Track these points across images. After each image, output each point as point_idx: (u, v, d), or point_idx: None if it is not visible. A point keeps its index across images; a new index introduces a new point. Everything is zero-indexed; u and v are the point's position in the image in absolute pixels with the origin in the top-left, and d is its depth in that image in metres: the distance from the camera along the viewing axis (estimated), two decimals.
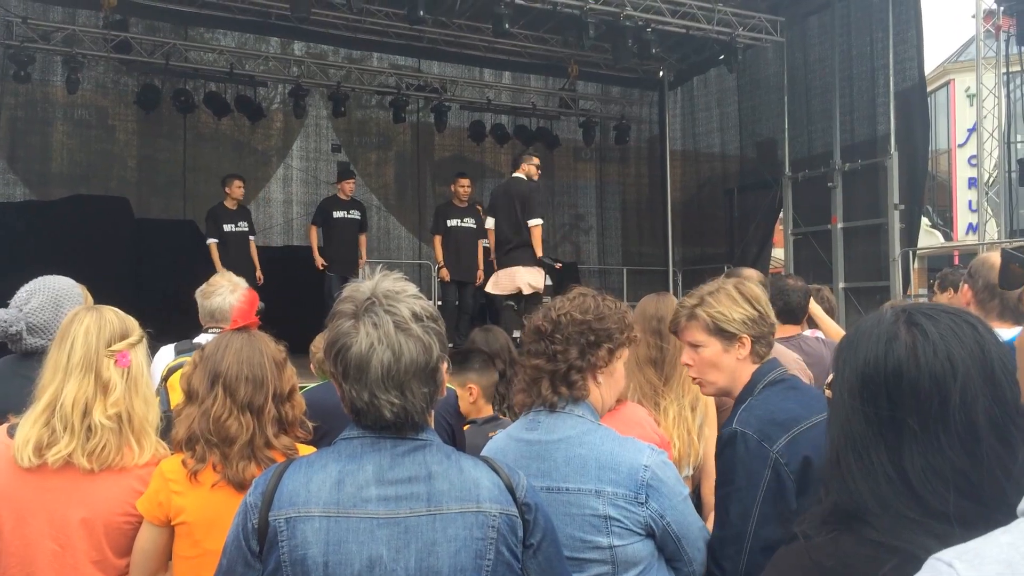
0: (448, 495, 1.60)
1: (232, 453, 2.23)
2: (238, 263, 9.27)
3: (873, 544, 1.16)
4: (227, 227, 9.78)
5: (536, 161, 8.57)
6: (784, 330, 3.85)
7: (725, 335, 2.38)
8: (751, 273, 3.89)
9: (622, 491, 2.03)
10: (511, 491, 1.66)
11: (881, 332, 1.24)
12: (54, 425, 2.21)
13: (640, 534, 2.05)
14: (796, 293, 4.10)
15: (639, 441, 2.19)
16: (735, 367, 2.39)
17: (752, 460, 2.17)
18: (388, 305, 1.60)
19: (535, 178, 8.36)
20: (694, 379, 2.50)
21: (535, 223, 8.09)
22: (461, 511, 1.60)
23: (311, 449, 2.37)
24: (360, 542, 1.55)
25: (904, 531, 1.14)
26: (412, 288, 1.67)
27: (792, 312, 4.05)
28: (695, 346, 2.43)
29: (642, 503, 2.03)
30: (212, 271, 8.94)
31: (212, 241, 9.71)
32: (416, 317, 1.61)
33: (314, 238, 10.15)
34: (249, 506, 1.61)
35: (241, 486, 2.22)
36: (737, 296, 2.41)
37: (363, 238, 10.31)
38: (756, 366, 2.39)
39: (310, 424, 2.43)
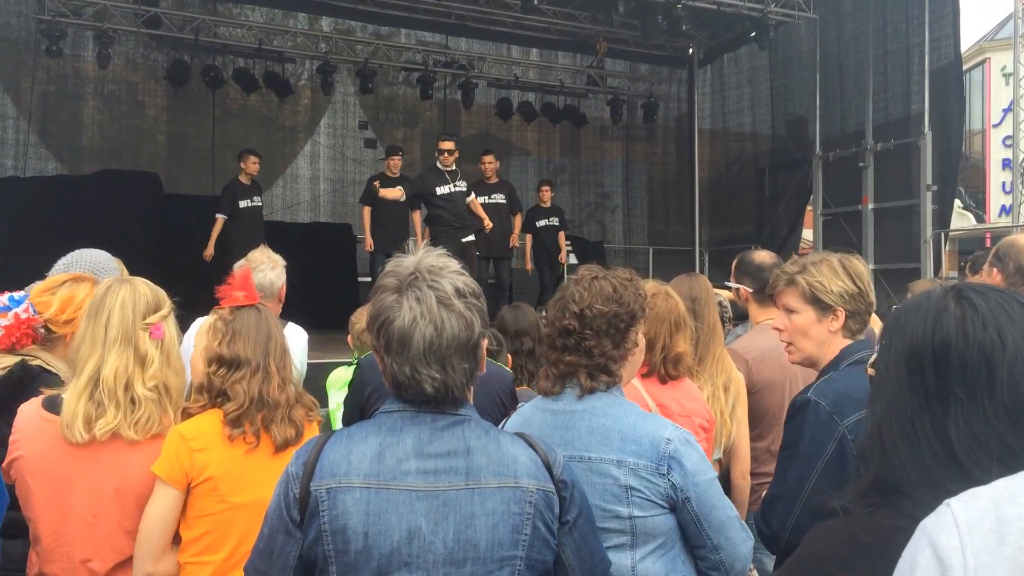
0: (486, 470, 1.62)
1: (277, 417, 2.32)
2: (252, 237, 9.30)
3: (911, 519, 1.14)
4: (243, 203, 9.83)
5: (441, 146, 9.17)
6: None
7: (820, 305, 2.44)
8: (763, 256, 3.83)
9: (643, 462, 2.04)
10: (548, 468, 1.67)
11: (930, 307, 1.24)
12: (99, 398, 2.24)
13: (662, 507, 2.05)
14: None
15: (663, 418, 2.22)
16: (825, 338, 2.46)
17: (821, 430, 2.24)
18: (431, 280, 1.60)
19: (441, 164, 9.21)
20: (785, 345, 2.57)
21: None
22: (499, 486, 1.61)
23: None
24: (400, 513, 1.57)
25: None
26: (455, 264, 1.67)
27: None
28: (790, 312, 2.50)
29: (663, 474, 2.03)
30: (243, 247, 9.02)
31: (220, 216, 9.71)
32: (459, 293, 1.61)
33: (366, 218, 9.93)
34: (291, 476, 1.63)
35: (286, 444, 2.31)
36: (839, 269, 2.46)
37: (416, 215, 10.05)
38: (846, 341, 2.45)
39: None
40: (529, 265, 11.12)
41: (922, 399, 1.19)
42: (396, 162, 10.20)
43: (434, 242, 9.14)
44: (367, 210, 10.06)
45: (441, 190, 9.05)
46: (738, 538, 2.11)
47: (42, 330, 2.53)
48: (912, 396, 1.20)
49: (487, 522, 1.59)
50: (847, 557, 1.22)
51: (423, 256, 1.65)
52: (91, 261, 2.84)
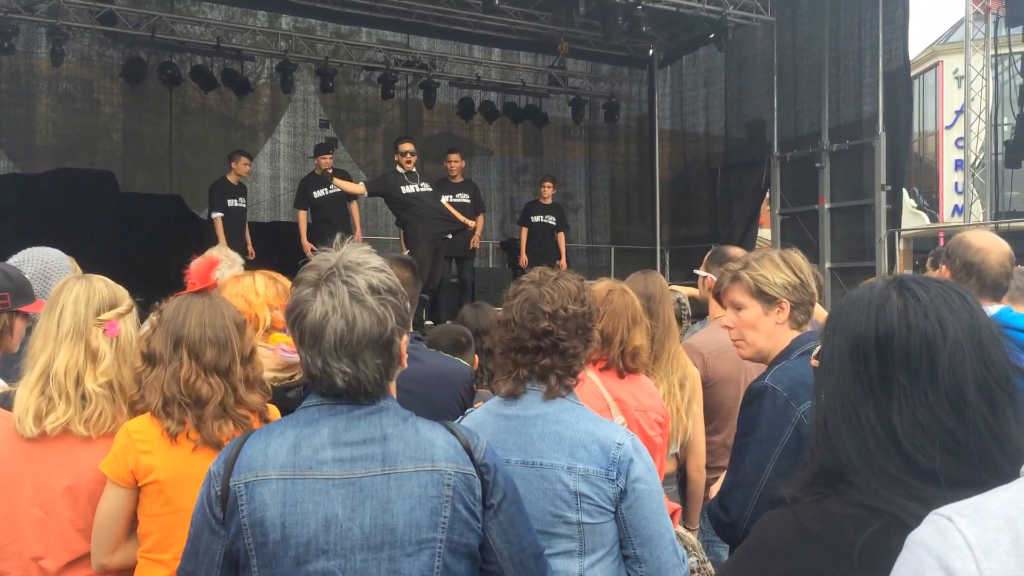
0: (403, 455, 1.64)
1: (206, 414, 2.23)
2: (235, 238, 9.33)
3: (858, 506, 1.18)
4: (231, 202, 9.81)
5: (402, 147, 9.02)
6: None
7: (766, 298, 2.50)
8: (736, 251, 3.92)
9: (593, 468, 2.05)
10: (468, 451, 1.69)
11: (873, 297, 1.27)
12: (49, 393, 2.21)
13: (612, 512, 2.06)
14: None
15: (617, 424, 2.23)
16: (773, 330, 2.52)
17: (778, 416, 2.28)
18: (346, 276, 1.62)
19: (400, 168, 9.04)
20: (734, 341, 2.62)
21: None
22: (416, 470, 1.63)
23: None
24: (316, 502, 1.59)
25: (888, 492, 1.16)
26: (376, 260, 1.68)
27: None
28: (737, 308, 2.55)
29: (612, 480, 2.04)
30: (201, 245, 8.94)
31: (217, 215, 9.68)
32: (372, 289, 1.63)
33: (303, 223, 9.95)
34: (212, 474, 1.65)
35: (218, 446, 2.23)
36: (780, 262, 2.54)
37: (354, 207, 10.10)
38: (794, 332, 2.52)
39: (268, 386, 2.46)
40: (524, 259, 10.89)
41: (866, 387, 1.22)
42: (327, 161, 10.06)
43: (408, 243, 9.10)
44: (303, 214, 9.97)
45: (406, 189, 8.92)
46: (666, 560, 2.08)
47: None
48: (856, 385, 1.23)
49: (404, 506, 1.61)
50: (796, 545, 1.24)
51: (345, 251, 1.67)
52: (43, 259, 2.81)
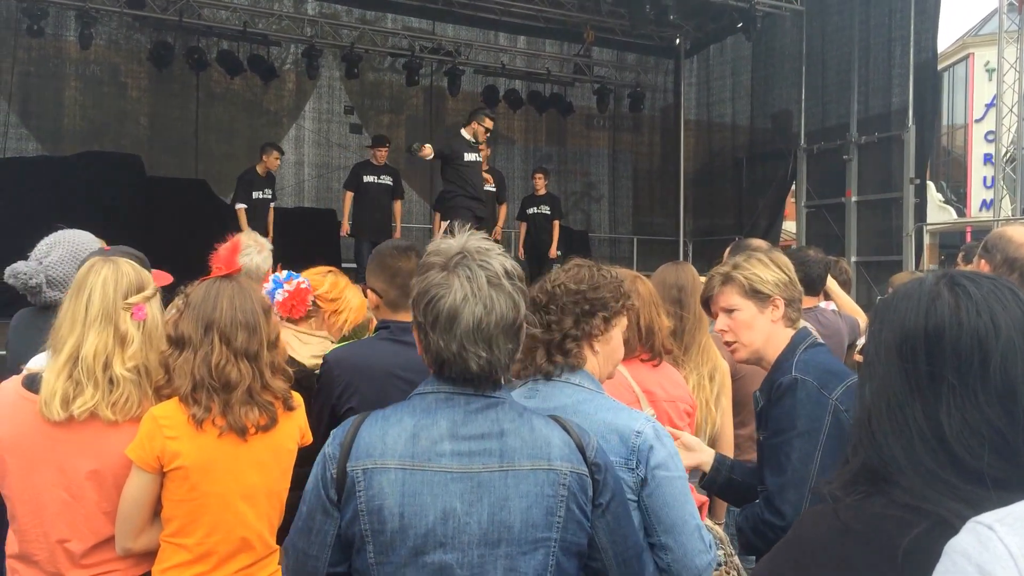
0: (520, 452, 1.64)
1: (233, 399, 2.24)
2: (258, 228, 9.42)
3: (902, 507, 1.15)
4: (256, 194, 9.96)
5: (486, 123, 8.97)
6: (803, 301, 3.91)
7: (759, 296, 2.46)
8: (760, 243, 3.89)
9: (613, 458, 1.99)
10: (581, 450, 1.69)
11: (923, 293, 1.23)
12: (77, 377, 2.20)
13: (634, 501, 2.02)
14: (816, 265, 4.11)
15: (637, 411, 2.19)
16: (769, 329, 2.48)
17: (814, 406, 2.25)
18: (481, 260, 1.63)
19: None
20: (729, 345, 2.56)
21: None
22: (533, 468, 1.64)
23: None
24: (434, 494, 1.60)
25: (934, 493, 1.13)
26: (497, 247, 1.70)
27: (811, 283, 4.05)
28: (730, 311, 2.50)
29: (632, 468, 2.01)
30: (225, 231, 8.96)
31: (241, 206, 9.84)
32: (507, 274, 1.64)
33: (347, 203, 10.25)
34: (328, 456, 1.66)
35: (243, 432, 2.24)
36: (768, 261, 2.52)
37: (397, 204, 10.32)
38: (788, 330, 2.48)
39: (290, 371, 2.45)
40: (521, 252, 11.04)
41: (913, 385, 1.18)
42: (383, 153, 10.28)
43: (447, 215, 9.19)
44: (349, 195, 10.24)
45: (469, 156, 8.95)
46: (692, 547, 2.03)
47: (311, 304, 3.10)
48: (903, 382, 1.19)
49: (521, 504, 1.62)
50: (837, 544, 1.21)
51: (468, 237, 1.68)
52: (75, 242, 2.81)
